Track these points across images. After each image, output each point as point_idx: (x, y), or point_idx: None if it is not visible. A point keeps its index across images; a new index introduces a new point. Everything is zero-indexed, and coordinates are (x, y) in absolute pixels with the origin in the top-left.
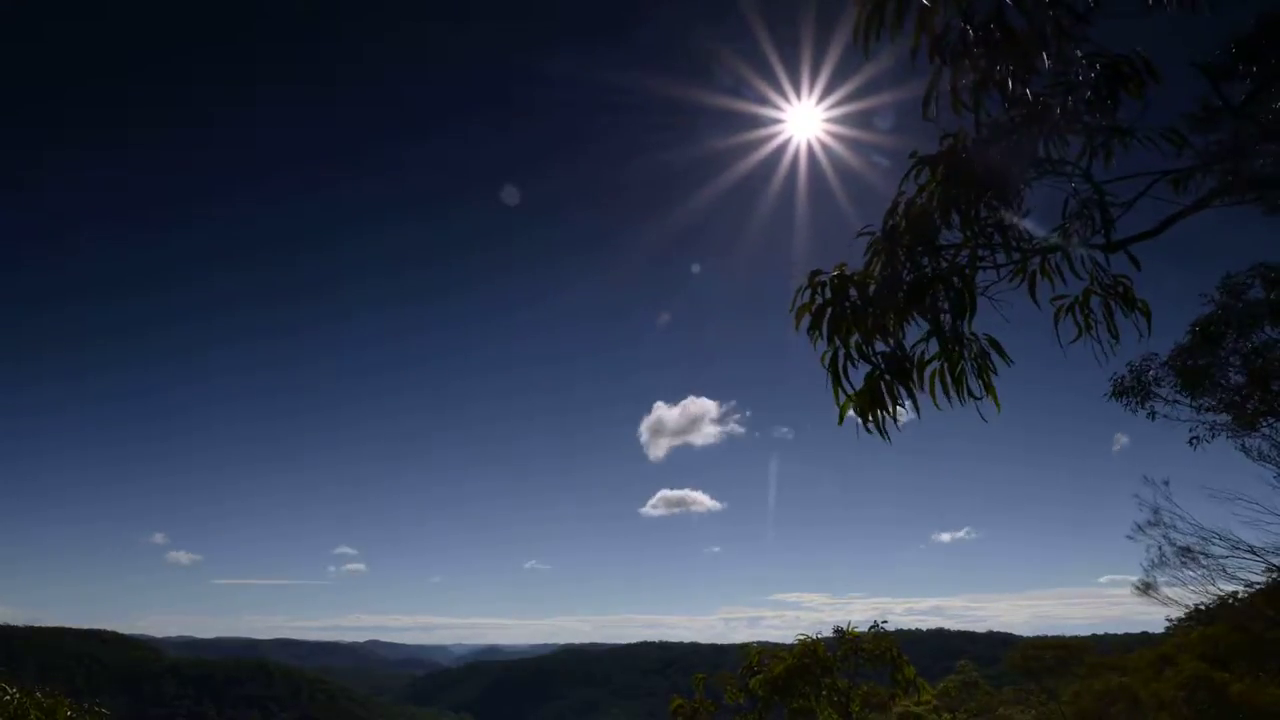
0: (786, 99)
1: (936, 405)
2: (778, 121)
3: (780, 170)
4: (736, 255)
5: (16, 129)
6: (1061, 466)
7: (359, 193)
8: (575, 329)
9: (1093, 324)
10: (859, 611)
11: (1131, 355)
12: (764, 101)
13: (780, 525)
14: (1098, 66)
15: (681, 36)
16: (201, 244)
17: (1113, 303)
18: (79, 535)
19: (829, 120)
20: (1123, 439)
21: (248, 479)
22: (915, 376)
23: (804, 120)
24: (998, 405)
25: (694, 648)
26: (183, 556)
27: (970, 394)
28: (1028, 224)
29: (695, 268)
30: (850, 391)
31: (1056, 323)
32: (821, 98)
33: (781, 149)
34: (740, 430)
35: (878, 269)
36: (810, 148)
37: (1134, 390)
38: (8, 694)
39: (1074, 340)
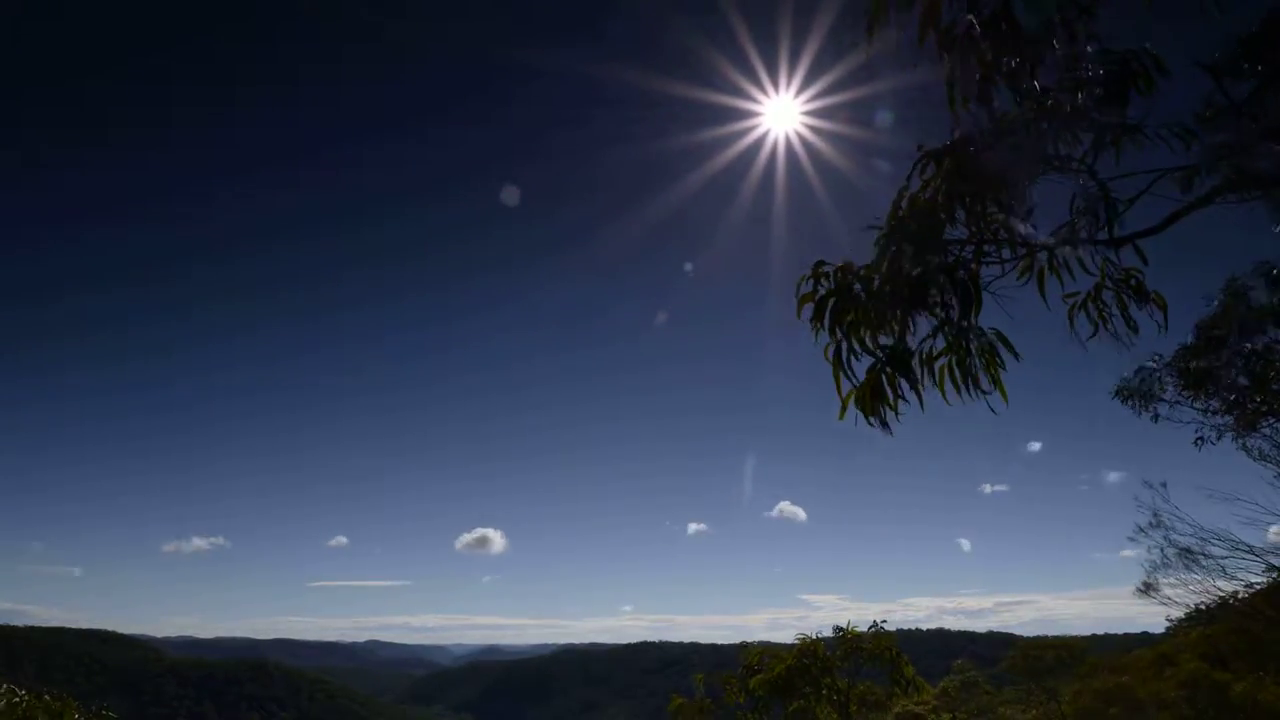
0: (765, 92)
1: (946, 400)
2: (756, 115)
3: (759, 163)
4: (717, 250)
5: (4, 128)
6: (1063, 467)
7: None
8: (554, 326)
9: (1108, 318)
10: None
11: (1148, 350)
12: (743, 95)
13: (790, 527)
14: (1107, 63)
15: (658, 30)
16: (187, 240)
17: (1125, 296)
18: (80, 533)
19: (806, 114)
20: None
21: (248, 476)
22: (921, 370)
23: (781, 113)
24: (1005, 398)
25: (694, 648)
26: (191, 548)
27: (979, 388)
28: (1034, 220)
29: (688, 266)
30: (854, 384)
31: (1071, 319)
32: (799, 91)
33: (759, 142)
34: None
35: (885, 264)
36: (788, 140)
37: (1138, 392)
38: (17, 696)
39: (1091, 336)
